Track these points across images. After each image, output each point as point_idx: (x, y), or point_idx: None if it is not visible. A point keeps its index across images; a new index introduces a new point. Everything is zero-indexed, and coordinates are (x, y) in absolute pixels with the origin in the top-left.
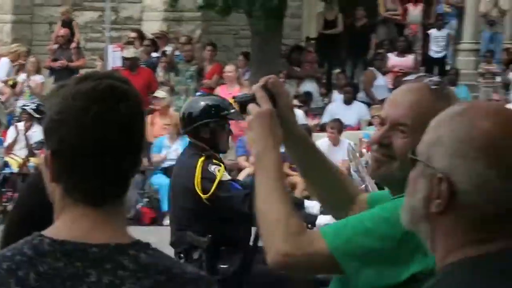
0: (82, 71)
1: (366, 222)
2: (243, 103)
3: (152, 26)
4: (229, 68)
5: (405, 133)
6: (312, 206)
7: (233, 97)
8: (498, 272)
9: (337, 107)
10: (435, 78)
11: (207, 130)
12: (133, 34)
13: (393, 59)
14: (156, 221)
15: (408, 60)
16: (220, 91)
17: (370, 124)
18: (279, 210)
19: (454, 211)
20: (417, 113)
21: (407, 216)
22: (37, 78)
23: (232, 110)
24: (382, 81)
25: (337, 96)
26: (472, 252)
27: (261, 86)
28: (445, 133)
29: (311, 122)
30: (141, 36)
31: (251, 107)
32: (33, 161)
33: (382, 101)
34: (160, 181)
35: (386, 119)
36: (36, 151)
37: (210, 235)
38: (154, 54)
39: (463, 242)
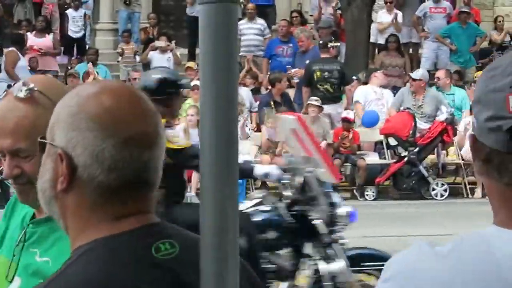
0: None
1: None
2: None
3: None
4: None
5: (28, 156)
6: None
7: None
8: (125, 255)
9: None
10: (19, 86)
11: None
12: None
13: (32, 39)
14: None
15: (47, 40)
16: None
17: None
18: None
19: (78, 187)
20: (23, 132)
21: (41, 200)
22: None
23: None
24: (23, 61)
25: None
26: (103, 232)
27: None
28: (62, 110)
29: None
30: None
31: None
32: None
33: None
34: None
35: (2, 151)
36: None
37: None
38: None
39: (94, 220)
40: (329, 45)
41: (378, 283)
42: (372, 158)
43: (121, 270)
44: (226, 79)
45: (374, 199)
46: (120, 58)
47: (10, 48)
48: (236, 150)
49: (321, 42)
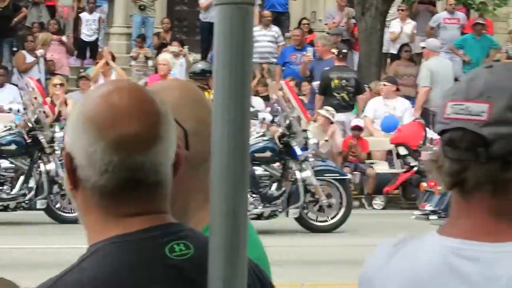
0: None
1: None
2: None
3: None
4: None
5: None
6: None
7: None
8: (135, 254)
9: None
10: None
11: None
12: None
13: None
14: None
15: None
16: None
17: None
18: None
19: (81, 187)
20: None
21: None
22: None
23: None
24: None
25: None
26: (112, 231)
27: None
28: (72, 111)
29: None
30: None
31: None
32: None
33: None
34: None
35: None
36: None
37: None
38: None
39: (102, 219)
40: (341, 54)
41: None
42: (382, 167)
43: (131, 269)
44: (240, 81)
45: (383, 208)
46: (133, 62)
47: (20, 51)
48: (247, 156)
49: (336, 50)
